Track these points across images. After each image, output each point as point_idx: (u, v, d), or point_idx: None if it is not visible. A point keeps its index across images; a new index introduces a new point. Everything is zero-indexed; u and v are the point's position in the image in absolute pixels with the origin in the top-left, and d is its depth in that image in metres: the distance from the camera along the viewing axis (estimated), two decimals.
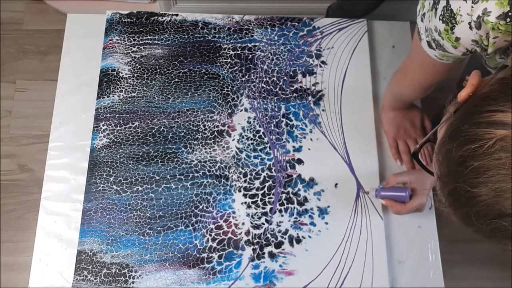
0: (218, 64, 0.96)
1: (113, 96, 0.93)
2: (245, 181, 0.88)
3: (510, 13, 0.47)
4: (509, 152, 0.38)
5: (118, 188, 0.87)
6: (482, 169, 0.40)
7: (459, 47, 0.57)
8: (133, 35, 0.97)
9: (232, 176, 0.88)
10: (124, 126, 0.91)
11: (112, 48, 0.96)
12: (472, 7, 0.50)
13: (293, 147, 0.90)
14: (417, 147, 0.54)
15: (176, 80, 0.94)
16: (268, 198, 0.87)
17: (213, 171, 0.88)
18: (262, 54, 0.97)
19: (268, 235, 0.85)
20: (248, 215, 0.86)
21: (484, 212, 0.41)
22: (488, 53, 0.54)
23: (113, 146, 0.89)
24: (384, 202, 0.84)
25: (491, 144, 0.39)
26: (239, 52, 0.97)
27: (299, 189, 0.88)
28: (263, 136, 0.91)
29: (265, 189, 0.87)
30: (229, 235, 0.84)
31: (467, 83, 0.47)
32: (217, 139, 0.90)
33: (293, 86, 0.95)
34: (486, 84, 0.46)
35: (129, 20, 0.99)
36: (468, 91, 0.46)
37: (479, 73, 0.47)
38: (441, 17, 0.55)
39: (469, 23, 0.51)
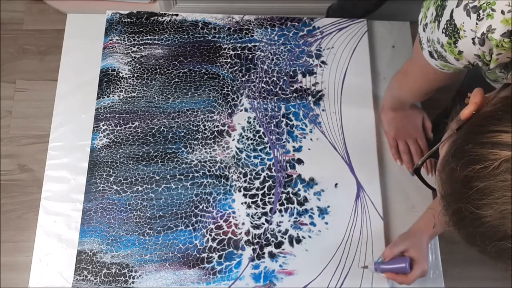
0: (218, 64, 0.96)
1: (113, 96, 0.93)
2: (245, 181, 0.88)
3: None
4: None
5: (118, 188, 0.87)
6: (487, 190, 0.40)
7: (462, 60, 0.56)
8: (133, 35, 0.97)
9: (232, 176, 0.88)
10: (124, 126, 0.91)
11: (112, 48, 0.96)
12: (476, 24, 0.50)
13: (293, 147, 0.90)
14: (419, 163, 0.53)
15: (176, 80, 0.94)
16: (268, 198, 0.87)
17: (213, 171, 0.88)
18: (262, 54, 0.97)
19: (268, 235, 0.85)
20: (248, 215, 0.86)
21: (489, 233, 0.41)
22: (490, 68, 0.54)
23: (113, 146, 0.89)
24: (385, 276, 0.82)
25: (496, 166, 0.39)
26: (239, 52, 0.97)
27: (299, 189, 0.88)
28: (263, 136, 0.91)
29: (265, 189, 0.87)
30: (229, 235, 0.84)
31: (469, 100, 0.47)
32: (217, 139, 0.90)
33: (293, 86, 0.95)
34: (489, 102, 0.45)
35: (129, 20, 0.99)
36: (471, 109, 0.46)
37: (482, 91, 0.47)
38: (444, 30, 0.55)
39: (473, 39, 0.51)
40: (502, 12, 0.47)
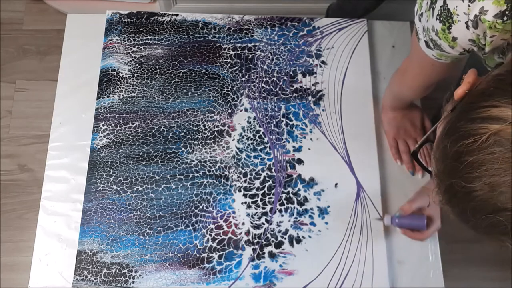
0: (218, 64, 0.96)
1: (113, 96, 0.93)
2: (245, 181, 0.88)
3: (507, 12, 0.47)
4: (503, 146, 0.39)
5: (118, 188, 0.87)
6: (476, 163, 0.40)
7: (456, 47, 0.57)
8: (133, 35, 0.97)
9: (232, 176, 0.88)
10: (124, 126, 0.91)
11: (112, 48, 0.96)
12: (469, 6, 0.50)
13: (293, 147, 0.90)
14: (416, 147, 0.54)
15: (176, 80, 0.94)
16: (268, 198, 0.87)
17: (213, 171, 0.88)
18: (262, 54, 0.97)
19: (268, 235, 0.85)
20: (248, 215, 0.86)
21: (479, 207, 0.41)
22: (485, 52, 0.54)
23: (113, 146, 0.89)
24: (401, 231, 0.83)
25: (485, 139, 0.39)
26: (239, 52, 0.97)
27: (299, 189, 0.88)
28: (263, 136, 0.91)
29: (265, 189, 0.87)
30: (229, 235, 0.84)
31: (463, 81, 0.47)
32: (217, 139, 0.90)
33: (293, 86, 0.95)
34: (482, 81, 0.46)
35: (129, 20, 0.99)
36: (464, 89, 0.46)
37: (475, 71, 0.47)
38: (438, 17, 0.55)
39: (466, 23, 0.52)
40: None
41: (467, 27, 0.52)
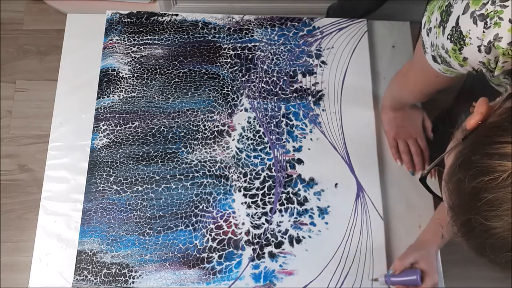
0: (218, 64, 0.96)
1: (113, 96, 0.93)
2: (245, 181, 0.88)
3: None
4: None
5: (118, 188, 0.87)
6: (496, 202, 0.40)
7: (466, 66, 0.56)
8: (133, 35, 0.97)
9: (232, 176, 0.88)
10: (124, 126, 0.91)
11: (112, 48, 0.96)
12: (483, 32, 0.49)
13: (293, 147, 0.90)
14: (425, 172, 0.53)
15: (176, 80, 0.94)
16: (268, 198, 0.87)
17: (213, 171, 0.88)
18: (262, 54, 0.97)
19: (268, 235, 0.85)
20: (248, 215, 0.86)
21: (499, 244, 0.41)
22: (494, 75, 0.54)
23: (113, 146, 0.89)
24: None
25: (505, 177, 0.39)
26: (239, 52, 0.97)
27: (299, 189, 0.88)
28: (263, 136, 0.91)
29: (265, 189, 0.87)
30: (229, 235, 0.84)
31: (474, 109, 0.46)
32: (217, 139, 0.90)
33: (293, 86, 0.95)
34: (494, 112, 0.45)
35: (129, 20, 0.99)
36: (477, 120, 0.46)
37: (487, 101, 0.47)
38: (449, 37, 0.55)
39: (479, 47, 0.51)
40: (510, 21, 0.47)
41: (479, 51, 0.51)
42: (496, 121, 0.44)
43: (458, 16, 0.52)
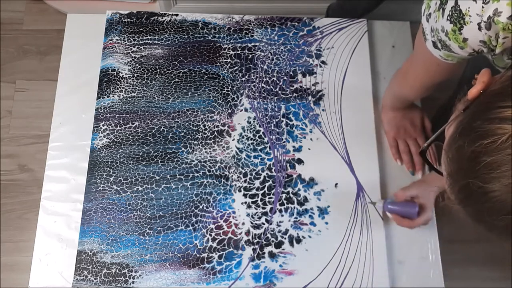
0: (218, 64, 0.96)
1: (113, 96, 0.93)
2: (245, 181, 0.88)
3: None
4: None
5: (118, 188, 0.87)
6: (495, 164, 0.40)
7: (466, 48, 0.56)
8: (133, 35, 0.97)
9: (232, 176, 0.88)
10: (124, 126, 0.91)
11: (112, 48, 0.96)
12: (482, 7, 0.50)
13: (293, 147, 0.90)
14: (425, 145, 0.54)
15: (176, 80, 0.94)
16: (268, 198, 0.87)
17: (213, 171, 0.88)
18: (262, 54, 0.97)
19: (268, 235, 0.85)
20: (248, 215, 0.86)
21: (497, 207, 0.41)
22: (495, 54, 0.54)
23: (113, 146, 0.89)
24: (390, 216, 0.84)
25: (504, 140, 0.39)
26: (239, 52, 0.97)
27: (299, 189, 0.88)
28: (263, 136, 0.91)
29: (265, 189, 0.87)
30: (229, 235, 0.84)
31: (476, 81, 0.47)
32: (217, 139, 0.90)
33: (293, 86, 0.95)
34: (496, 81, 0.45)
35: (129, 20, 0.99)
36: (478, 88, 0.46)
37: (489, 71, 0.47)
38: (449, 18, 0.55)
39: (479, 24, 0.51)
40: None
41: (479, 28, 0.51)
42: (498, 88, 0.44)
43: None
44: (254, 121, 0.92)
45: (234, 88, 0.94)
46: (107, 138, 0.90)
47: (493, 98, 0.43)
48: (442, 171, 0.48)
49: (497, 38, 0.51)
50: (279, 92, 0.94)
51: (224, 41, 0.98)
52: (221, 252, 0.83)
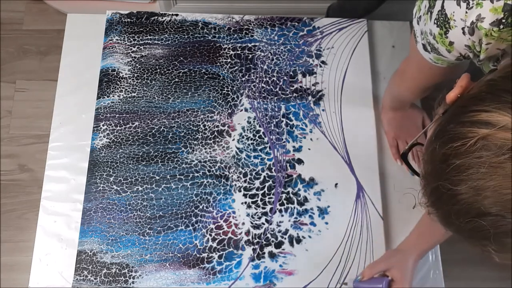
0: (218, 64, 0.96)
1: (113, 96, 0.93)
2: (245, 181, 0.88)
3: (503, 20, 0.47)
4: (490, 151, 0.39)
5: (118, 188, 0.87)
6: (463, 167, 0.40)
7: (453, 51, 0.57)
8: (133, 35, 0.97)
9: (232, 176, 0.88)
10: (124, 126, 0.91)
11: (112, 48, 0.96)
12: (466, 12, 0.50)
13: (293, 147, 0.90)
14: (406, 148, 0.54)
15: (176, 80, 0.94)
16: (268, 198, 0.87)
17: (213, 171, 0.88)
18: (262, 54, 0.97)
19: (268, 235, 0.85)
20: (248, 215, 0.86)
21: (464, 210, 0.41)
22: (480, 60, 0.54)
23: (113, 146, 0.89)
24: None
25: (473, 143, 0.39)
26: (239, 52, 0.97)
27: (299, 189, 0.88)
28: (263, 136, 0.91)
29: (265, 189, 0.87)
30: (229, 235, 0.84)
31: (456, 85, 0.47)
32: (217, 139, 0.90)
33: (293, 86, 0.95)
34: (474, 86, 0.46)
35: (129, 20, 0.99)
36: (456, 93, 0.47)
37: (469, 76, 0.47)
38: (435, 21, 0.55)
39: (463, 28, 0.52)
40: (491, 1, 0.47)
41: (464, 33, 0.52)
42: (474, 92, 0.45)
43: (444, 0, 0.53)
44: (254, 121, 0.92)
45: (234, 88, 0.94)
46: (107, 138, 0.90)
47: (468, 102, 0.44)
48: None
49: (480, 44, 0.51)
50: (279, 92, 0.94)
51: (224, 41, 0.98)
52: (221, 252, 0.83)
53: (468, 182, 0.40)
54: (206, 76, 0.95)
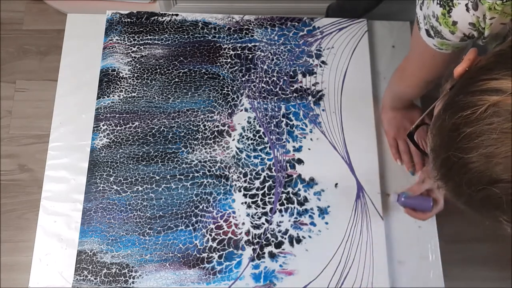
0: (218, 64, 0.96)
1: (113, 96, 0.93)
2: (245, 181, 0.88)
3: None
4: (501, 117, 0.38)
5: (118, 188, 0.87)
6: (474, 134, 0.40)
7: (457, 32, 0.57)
8: (133, 35, 0.97)
9: (232, 176, 0.88)
10: (124, 126, 0.91)
11: (112, 48, 0.96)
12: None
13: (293, 147, 0.90)
14: (413, 128, 0.54)
15: (176, 80, 0.94)
16: (268, 198, 0.87)
17: (213, 171, 0.88)
18: (262, 54, 0.97)
19: (268, 235, 0.85)
20: (248, 215, 0.86)
21: (475, 178, 0.40)
22: (485, 37, 0.54)
23: (113, 146, 0.89)
24: (404, 210, 0.84)
25: (483, 110, 0.39)
26: (239, 52, 0.97)
27: (299, 189, 0.88)
28: (263, 136, 0.91)
29: (265, 189, 0.87)
30: (229, 235, 0.84)
31: (463, 59, 0.47)
32: (217, 139, 0.90)
33: (293, 86, 0.95)
34: (482, 58, 0.46)
35: (129, 20, 0.99)
36: (464, 66, 0.46)
37: (476, 50, 0.47)
38: (438, 1, 0.56)
39: (466, 5, 0.52)
40: None
41: (467, 9, 0.52)
42: (482, 64, 0.45)
43: None
44: (254, 121, 0.92)
45: (234, 88, 0.94)
46: (107, 138, 0.90)
47: (477, 73, 0.44)
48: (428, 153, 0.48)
49: (484, 19, 0.51)
50: (279, 92, 0.94)
51: (224, 41, 0.98)
52: (221, 252, 0.83)
53: (479, 149, 0.39)
54: (206, 76, 0.95)
